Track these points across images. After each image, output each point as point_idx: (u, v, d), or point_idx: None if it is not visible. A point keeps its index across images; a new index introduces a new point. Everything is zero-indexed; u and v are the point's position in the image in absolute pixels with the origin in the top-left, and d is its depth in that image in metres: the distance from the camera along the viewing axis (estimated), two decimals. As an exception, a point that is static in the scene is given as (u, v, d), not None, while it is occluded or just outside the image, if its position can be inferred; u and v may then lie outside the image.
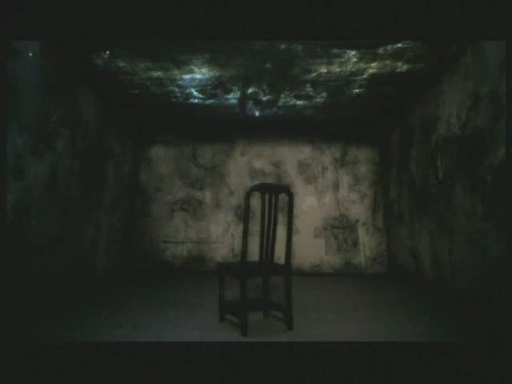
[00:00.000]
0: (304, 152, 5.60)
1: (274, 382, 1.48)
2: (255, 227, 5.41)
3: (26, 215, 2.74)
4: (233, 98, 4.31)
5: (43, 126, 3.00)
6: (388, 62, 3.37)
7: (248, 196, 2.19)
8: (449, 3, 2.37)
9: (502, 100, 2.62)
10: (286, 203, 5.46)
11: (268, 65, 3.46)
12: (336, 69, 3.53)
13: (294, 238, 5.38)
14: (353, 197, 5.47)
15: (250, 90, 4.10)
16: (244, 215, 2.22)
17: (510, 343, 1.96)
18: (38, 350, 1.84)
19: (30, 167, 2.81)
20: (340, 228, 5.39)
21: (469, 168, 3.11)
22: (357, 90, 4.09)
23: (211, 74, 3.65)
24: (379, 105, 4.57)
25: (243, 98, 4.35)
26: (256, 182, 5.54)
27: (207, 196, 5.47)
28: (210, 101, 4.42)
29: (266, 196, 5.80)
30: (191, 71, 3.59)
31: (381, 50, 3.16)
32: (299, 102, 4.49)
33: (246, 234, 2.21)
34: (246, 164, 5.57)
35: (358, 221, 5.41)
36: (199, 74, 3.65)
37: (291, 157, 5.59)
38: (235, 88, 4.03)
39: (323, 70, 3.55)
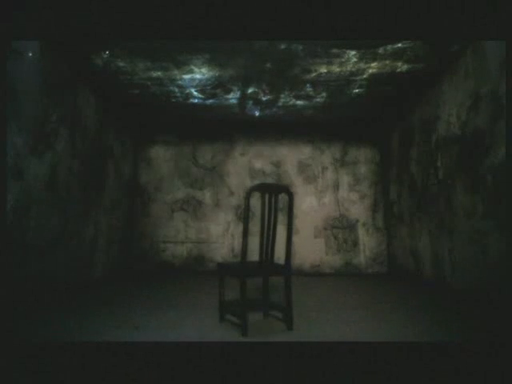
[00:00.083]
0: (304, 152, 5.60)
1: (274, 382, 1.48)
2: (255, 227, 5.41)
3: (25, 215, 2.74)
4: (233, 97, 4.31)
5: (43, 126, 3.00)
6: (388, 61, 3.37)
7: (248, 196, 2.19)
8: (449, 3, 2.37)
9: (502, 100, 2.62)
10: (285, 203, 5.46)
11: (268, 65, 3.46)
12: (336, 69, 3.53)
13: (294, 238, 5.38)
14: (353, 197, 5.47)
15: (249, 90, 4.10)
16: (244, 215, 2.22)
17: (510, 343, 1.96)
18: (38, 349, 1.83)
19: (30, 167, 2.81)
20: (340, 228, 5.39)
21: (469, 168, 3.11)
22: (357, 90, 4.09)
23: (211, 73, 3.65)
24: (379, 105, 4.57)
25: (243, 98, 4.35)
26: (256, 182, 5.54)
27: (207, 196, 5.47)
28: (210, 101, 4.42)
29: (266, 196, 5.80)
30: (191, 71, 3.59)
31: (381, 50, 3.16)
32: (299, 102, 4.49)
33: (245, 234, 2.20)
34: (245, 164, 5.57)
35: (358, 221, 5.41)
36: (199, 73, 3.65)
37: (291, 157, 5.59)
38: (235, 88, 4.03)
39: (323, 69, 3.55)
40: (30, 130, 2.80)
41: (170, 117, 5.10)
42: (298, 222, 5.42)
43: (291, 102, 4.49)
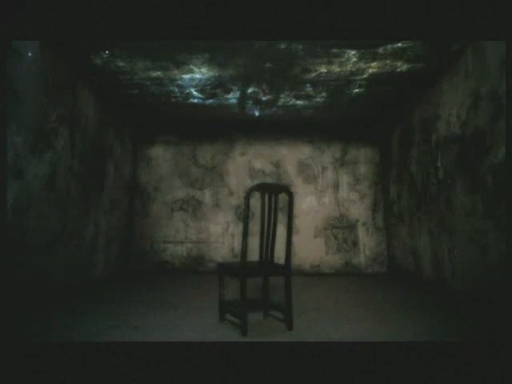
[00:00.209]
0: (304, 152, 5.60)
1: (274, 382, 1.48)
2: (255, 227, 5.40)
3: (25, 215, 2.74)
4: (232, 97, 4.31)
5: (42, 126, 3.00)
6: (388, 61, 3.37)
7: (248, 196, 2.19)
8: (449, 3, 2.37)
9: (502, 100, 2.62)
10: (285, 203, 5.45)
11: (268, 65, 3.46)
12: (336, 69, 3.53)
13: (294, 238, 5.38)
14: (353, 197, 5.47)
15: (249, 90, 4.10)
16: (244, 215, 2.22)
17: (510, 343, 1.96)
18: (38, 349, 1.83)
19: (30, 167, 2.81)
20: (340, 228, 5.39)
21: (469, 168, 3.11)
22: (357, 90, 4.09)
23: (211, 73, 3.65)
24: (379, 105, 4.56)
25: (243, 98, 4.34)
26: (256, 182, 5.54)
27: (207, 196, 5.47)
28: (210, 101, 4.42)
29: (266, 196, 5.80)
30: (191, 71, 3.59)
31: (381, 50, 3.15)
32: (299, 102, 4.49)
33: (245, 233, 2.20)
34: (245, 164, 5.56)
35: (357, 221, 5.41)
36: (199, 73, 3.65)
37: (291, 157, 5.58)
38: (235, 88, 4.03)
39: (323, 69, 3.55)
40: (30, 130, 2.80)
41: (170, 117, 5.10)
42: (297, 222, 5.42)
43: (291, 102, 4.49)
